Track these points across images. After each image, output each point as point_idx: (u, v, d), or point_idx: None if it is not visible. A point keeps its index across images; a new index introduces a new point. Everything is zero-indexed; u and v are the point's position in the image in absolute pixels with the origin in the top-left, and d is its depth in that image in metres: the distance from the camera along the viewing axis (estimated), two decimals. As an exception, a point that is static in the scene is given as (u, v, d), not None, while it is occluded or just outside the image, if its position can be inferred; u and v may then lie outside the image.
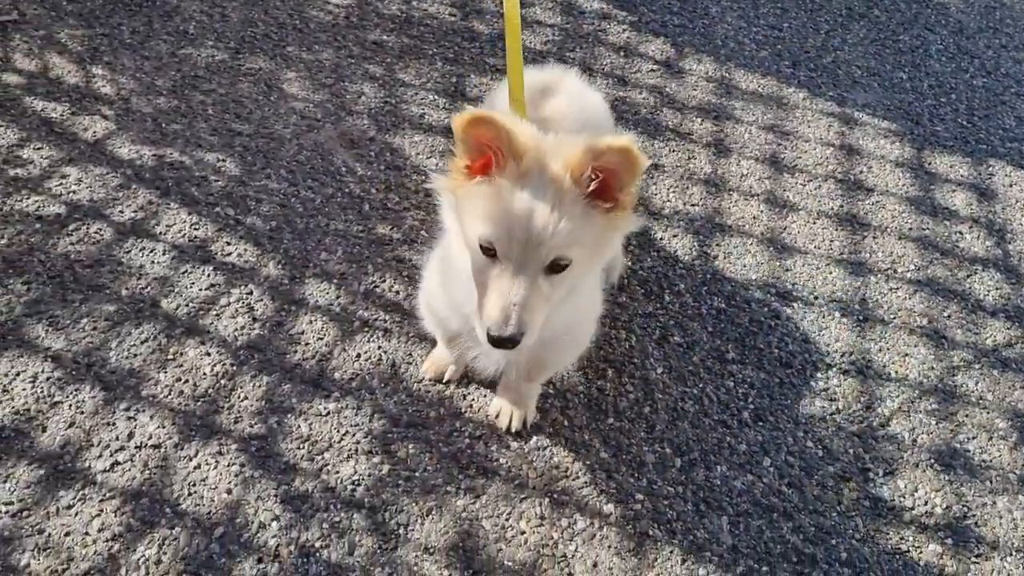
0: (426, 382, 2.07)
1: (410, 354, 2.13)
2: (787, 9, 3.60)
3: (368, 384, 2.05)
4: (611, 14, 3.39)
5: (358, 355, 2.10)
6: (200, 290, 2.17)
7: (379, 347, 2.13)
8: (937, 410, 2.20)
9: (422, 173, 2.60)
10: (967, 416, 2.20)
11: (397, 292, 2.26)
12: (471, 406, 2.04)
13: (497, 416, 2.04)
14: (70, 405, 1.90)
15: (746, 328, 2.32)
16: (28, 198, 2.30)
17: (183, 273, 2.20)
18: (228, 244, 2.29)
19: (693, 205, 2.65)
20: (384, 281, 2.28)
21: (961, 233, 2.71)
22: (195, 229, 2.31)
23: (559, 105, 1.92)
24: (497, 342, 1.38)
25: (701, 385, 2.17)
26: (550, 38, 3.21)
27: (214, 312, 2.13)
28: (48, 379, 1.93)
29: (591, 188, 1.38)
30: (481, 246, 1.40)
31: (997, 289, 2.55)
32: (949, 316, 2.45)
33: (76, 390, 1.92)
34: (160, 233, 2.28)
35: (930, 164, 2.94)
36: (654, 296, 2.36)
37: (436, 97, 2.87)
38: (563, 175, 1.37)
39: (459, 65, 3.02)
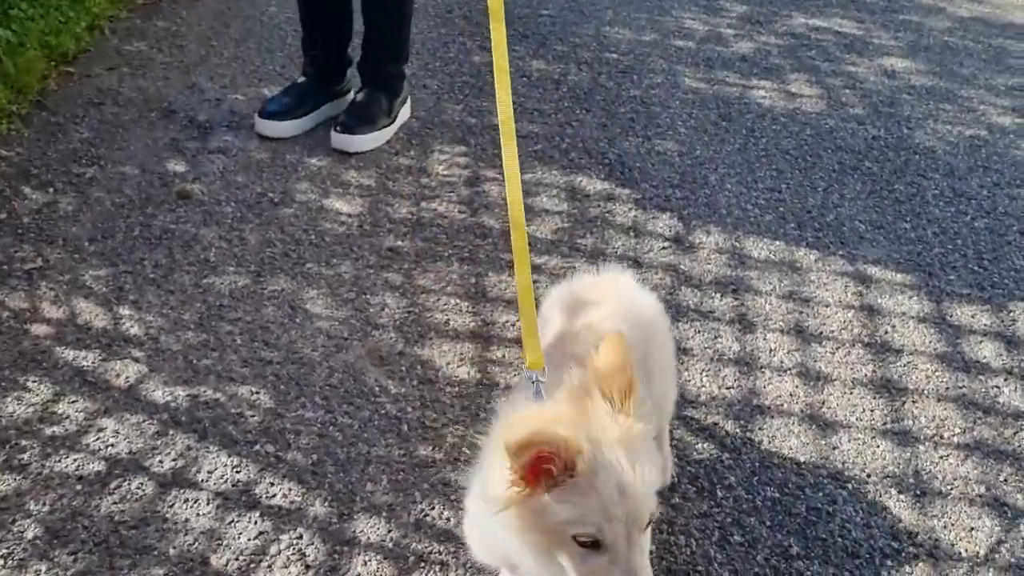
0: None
1: (471, 587, 2.06)
2: (782, 170, 3.71)
3: (432, 628, 1.98)
4: (615, 194, 3.48)
5: (417, 595, 2.04)
6: (249, 540, 2.12)
7: (438, 583, 2.07)
8: (1015, 589, 2.14)
9: (454, 384, 2.59)
10: (1047, 592, 2.14)
11: (448, 519, 2.21)
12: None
13: None
14: None
15: (804, 518, 2.28)
16: (67, 457, 2.28)
17: (229, 523, 2.16)
18: (272, 485, 2.26)
19: (728, 388, 2.64)
20: (433, 509, 2.24)
21: (998, 387, 2.70)
22: (237, 472, 2.28)
23: (604, 312, 1.91)
24: None
25: (771, 588, 2.11)
26: (559, 225, 3.28)
27: (265, 563, 2.08)
28: (103, 663, 1.86)
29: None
30: (578, 540, 1.34)
31: (1046, 444, 2.52)
32: (1005, 480, 2.41)
33: (133, 673, 1.84)
34: (202, 481, 2.25)
35: (951, 316, 2.97)
36: (707, 493, 2.32)
37: (458, 301, 2.90)
38: (617, 416, 1.38)
39: (475, 264, 3.07)
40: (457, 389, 2.58)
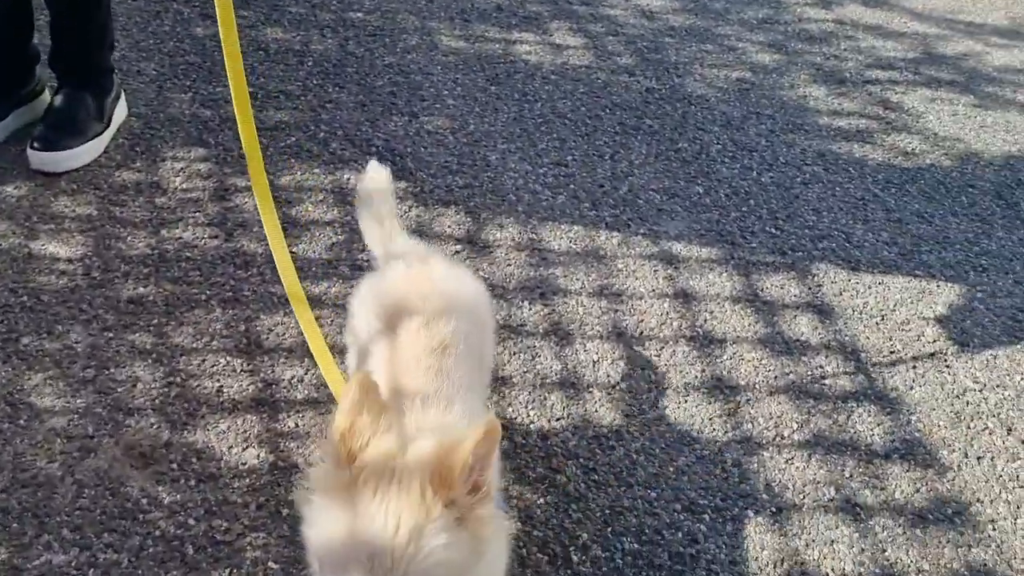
0: None
1: None
2: (564, 138, 3.42)
3: None
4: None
5: None
6: None
7: None
8: (888, 604, 2.03)
9: (243, 475, 2.11)
10: (916, 600, 2.05)
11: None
12: None
13: None
14: None
15: (669, 568, 2.05)
16: None
17: None
18: None
19: (558, 419, 2.35)
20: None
21: (822, 367, 2.60)
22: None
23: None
24: None
25: (652, 668, 1.86)
26: (333, 239, 2.82)
27: None
28: None
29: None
30: None
31: (879, 425, 2.45)
32: (851, 476, 2.31)
33: None
34: None
35: (763, 291, 2.84)
36: (560, 560, 2.04)
37: (229, 359, 2.39)
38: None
39: (241, 305, 2.55)
40: (247, 481, 2.11)
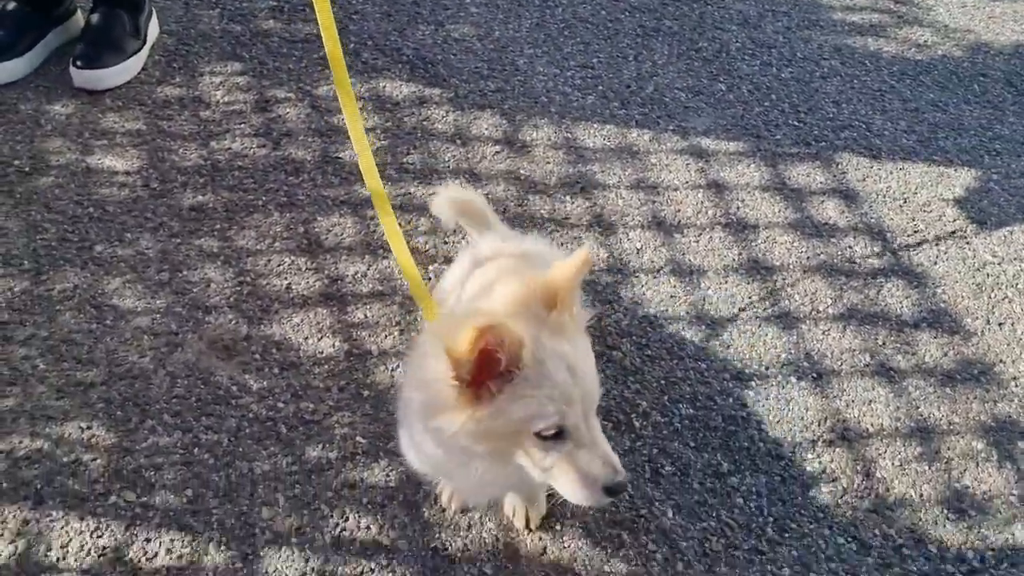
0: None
1: (419, 602, 1.84)
2: (588, 42, 3.50)
3: (392, 662, 1.75)
4: (427, 97, 3.14)
5: (363, 628, 1.80)
6: (144, 621, 1.76)
7: (381, 608, 1.83)
8: (924, 454, 2.22)
9: (322, 363, 2.27)
10: (949, 449, 2.24)
11: (368, 528, 1.95)
12: (512, 641, 1.80)
13: (515, 516, 1.95)
14: None
15: (724, 429, 2.23)
16: None
17: (116, 606, 1.78)
18: (148, 542, 1.88)
19: (610, 302, 2.51)
20: (347, 520, 1.96)
21: (851, 247, 2.75)
22: (98, 537, 1.88)
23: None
24: (620, 487, 1.41)
25: (715, 513, 2.06)
26: (378, 144, 2.91)
27: (176, 645, 1.73)
28: None
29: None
30: (540, 435, 1.35)
31: (907, 298, 2.61)
32: (884, 344, 2.48)
33: None
34: (58, 560, 1.83)
35: (790, 180, 2.97)
36: (624, 426, 2.21)
37: (293, 258, 2.52)
38: (550, 313, 1.39)
39: (298, 208, 2.67)
40: (327, 368, 2.26)
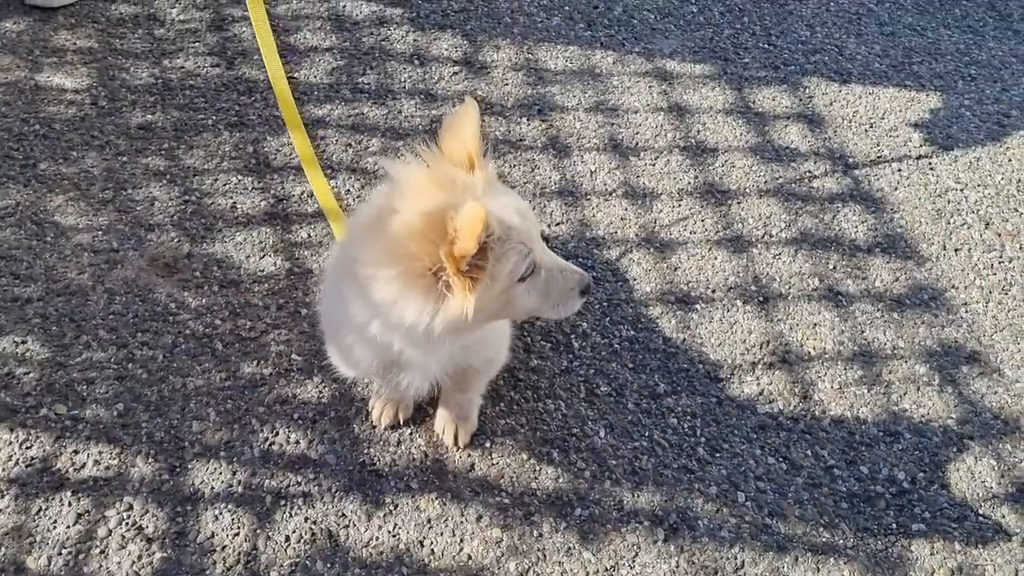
0: (372, 545, 1.82)
1: (343, 514, 1.86)
2: (557, -39, 3.40)
3: (313, 570, 1.78)
4: (387, 17, 3.07)
5: (286, 538, 1.82)
6: (67, 527, 1.78)
7: (306, 519, 1.85)
8: (864, 377, 2.21)
9: (262, 280, 2.26)
10: (891, 372, 2.23)
11: (297, 442, 1.96)
12: (432, 552, 1.82)
13: (444, 432, 1.98)
14: None
15: (664, 351, 2.21)
16: None
17: (37, 513, 1.80)
18: (76, 454, 1.90)
19: (558, 224, 2.47)
20: (277, 434, 1.97)
21: (810, 172, 2.70)
22: (27, 448, 1.89)
23: None
24: (589, 286, 1.58)
25: (647, 433, 2.05)
26: (334, 65, 2.86)
27: (97, 550, 1.76)
28: None
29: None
30: (520, 278, 1.46)
31: (863, 223, 2.57)
32: (834, 268, 2.45)
33: None
34: (-16, 469, 1.85)
35: (754, 103, 2.91)
36: (563, 347, 2.20)
37: (240, 177, 2.49)
38: (472, 173, 1.46)
39: (247, 128, 2.63)
40: (267, 286, 2.25)
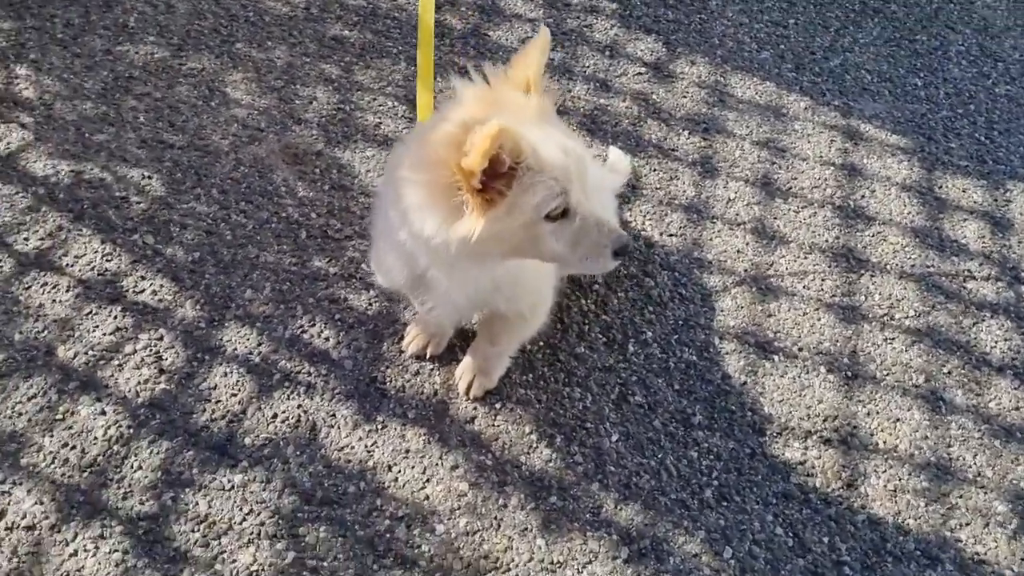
0: (346, 451, 1.85)
1: (333, 414, 1.90)
2: (794, 3, 3.28)
3: (282, 451, 1.82)
4: (599, 6, 3.09)
5: (274, 415, 1.88)
6: (104, 335, 1.95)
7: (299, 406, 1.90)
8: (928, 489, 1.95)
9: (368, 195, 2.34)
10: (961, 497, 1.95)
11: (327, 339, 2.02)
12: (396, 479, 1.81)
13: (460, 378, 1.96)
14: (-62, 477, 1.68)
15: (718, 386, 2.07)
16: (-77, 222, 2.07)
17: (87, 314, 1.98)
18: (142, 279, 2.06)
19: (671, 235, 2.38)
20: (314, 326, 2.04)
21: (970, 272, 2.42)
22: (107, 260, 2.08)
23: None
24: (626, 248, 1.48)
25: (661, 456, 1.93)
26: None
27: (116, 362, 1.90)
28: (-83, 444, 1.72)
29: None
30: (548, 216, 1.39)
31: (1006, 340, 2.27)
32: (950, 373, 2.18)
33: (-53, 458, 1.71)
34: (67, 265, 2.06)
35: (941, 188, 2.65)
36: (617, 346, 2.11)
37: (395, 104, 2.60)
38: (528, 97, 1.45)
39: (424, 66, 2.73)
40: (369, 200, 2.34)
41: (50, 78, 2.46)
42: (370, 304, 2.10)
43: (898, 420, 2.07)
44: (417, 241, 1.50)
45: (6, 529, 1.64)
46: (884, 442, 2.02)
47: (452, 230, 1.39)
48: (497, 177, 1.35)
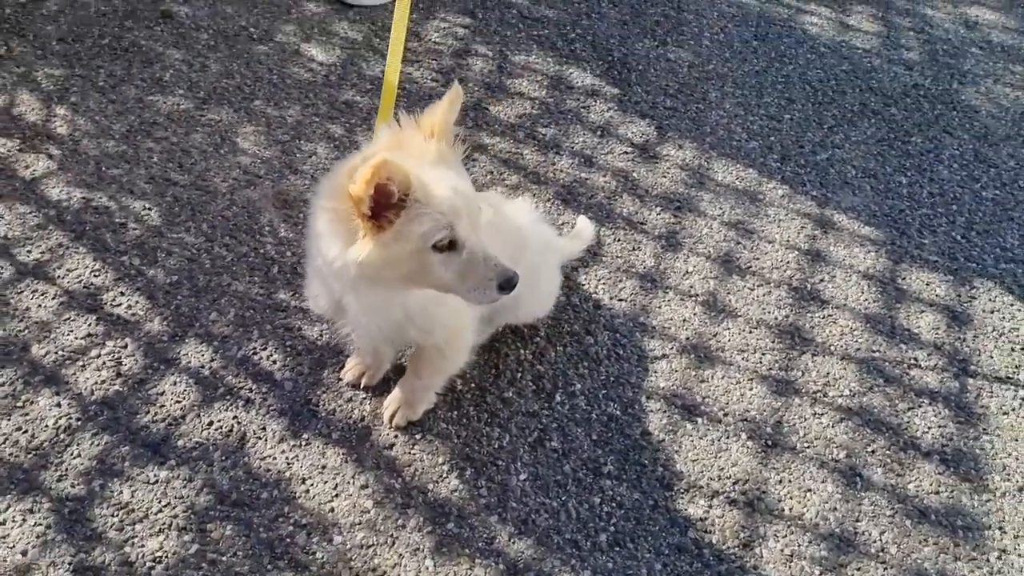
0: (267, 461, 2.00)
1: (264, 427, 2.06)
2: (793, 100, 3.43)
3: (209, 455, 1.99)
4: (600, 91, 3.30)
5: (210, 423, 2.05)
6: (75, 339, 2.17)
7: (234, 416, 2.07)
8: (826, 558, 1.98)
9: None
10: (859, 570, 1.98)
11: (274, 361, 2.20)
12: (308, 491, 1.95)
13: (387, 407, 2.11)
14: (-98, 443, 1.90)
15: (635, 441, 2.16)
16: (-55, 230, 2.36)
17: (65, 320, 2.21)
18: (121, 295, 2.29)
19: (620, 300, 2.51)
20: (265, 349, 2.23)
21: (916, 360, 2.47)
22: (95, 276, 2.32)
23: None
24: (511, 283, 1.60)
25: (564, 498, 2.02)
26: (526, 111, 3.14)
27: (80, 363, 2.12)
28: None
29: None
30: (435, 247, 1.53)
31: (940, 427, 2.30)
32: (873, 452, 2.22)
33: (-86, 428, 1.93)
34: (58, 277, 2.30)
35: (903, 280, 2.71)
36: (545, 395, 2.23)
37: (386, 163, 2.81)
38: (429, 141, 1.62)
39: (422, 132, 2.96)
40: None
41: (83, 118, 2.77)
42: (320, 335, 2.28)
43: (809, 490, 2.12)
44: (327, 265, 1.68)
45: (-51, 494, 1.84)
46: (790, 509, 2.07)
47: (347, 252, 1.56)
48: (389, 207, 1.51)
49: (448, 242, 1.56)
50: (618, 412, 2.21)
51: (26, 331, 2.17)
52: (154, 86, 2.96)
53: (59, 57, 3.00)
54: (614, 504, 2.02)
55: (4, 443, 1.94)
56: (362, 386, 2.18)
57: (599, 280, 2.55)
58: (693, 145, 3.12)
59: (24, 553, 1.77)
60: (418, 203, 1.52)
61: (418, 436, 2.09)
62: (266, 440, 2.03)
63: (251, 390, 2.13)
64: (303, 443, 2.04)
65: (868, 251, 2.79)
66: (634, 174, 2.95)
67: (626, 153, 3.03)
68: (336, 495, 1.95)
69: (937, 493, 2.15)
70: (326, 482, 1.98)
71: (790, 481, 2.13)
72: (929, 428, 2.30)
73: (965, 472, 2.21)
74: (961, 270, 2.78)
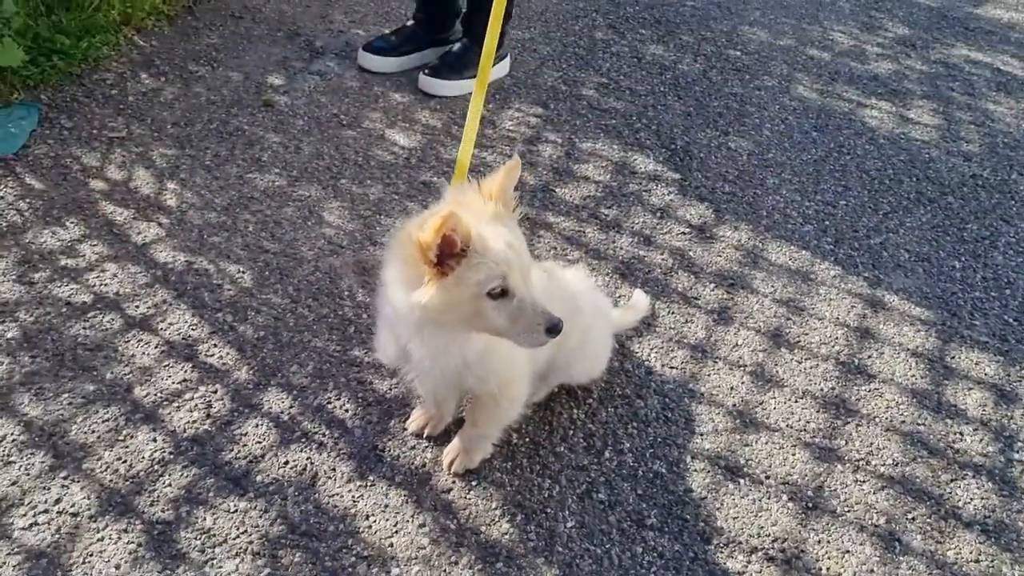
0: (335, 498, 2.19)
1: (334, 468, 2.25)
2: (850, 187, 3.57)
3: (284, 490, 2.19)
4: (662, 176, 3.51)
5: (286, 462, 2.26)
6: (172, 383, 2.42)
7: (308, 457, 2.27)
8: (860, 617, 2.05)
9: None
10: (894, 630, 2.04)
11: (347, 410, 2.41)
12: (370, 527, 2.13)
13: (447, 455, 2.30)
14: (20, 467, 2.16)
15: (678, 496, 2.28)
16: (67, 285, 2.67)
17: (164, 366, 2.46)
18: (215, 346, 2.55)
19: (671, 368, 2.65)
20: (339, 399, 2.44)
21: (961, 434, 2.53)
22: (192, 329, 2.59)
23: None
24: (557, 328, 1.78)
25: (608, 546, 2.15)
26: (590, 193, 3.36)
27: (175, 404, 2.36)
28: (13, 441, 2.21)
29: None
30: (490, 294, 1.73)
31: (983, 499, 2.36)
32: (914, 519, 2.29)
33: (31, 454, 2.19)
34: (160, 329, 2.57)
35: (952, 358, 2.79)
36: (595, 451, 2.38)
37: (458, 237, 3.05)
38: (488, 203, 1.84)
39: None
40: (416, 310, 2.75)
41: (190, 192, 3.10)
42: (389, 389, 2.48)
43: (848, 552, 2.20)
44: (394, 310, 1.90)
45: (58, 512, 2.08)
46: (828, 568, 2.15)
47: (413, 295, 1.78)
48: (452, 256, 1.73)
49: (501, 290, 1.75)
50: (663, 470, 2.34)
51: (130, 375, 2.43)
52: (253, 165, 3.28)
53: (172, 139, 3.36)
54: (655, 554, 2.14)
55: (106, 471, 2.18)
56: (425, 435, 2.36)
57: (652, 349, 2.71)
58: (749, 227, 3.28)
59: (117, 567, 1.98)
60: (476, 254, 1.72)
61: (474, 483, 2.25)
62: (335, 480, 2.22)
63: (324, 435, 2.33)
64: (368, 484, 2.22)
65: (918, 330, 2.88)
66: (690, 253, 3.12)
67: (683, 233, 3.21)
68: (396, 532, 2.12)
69: (977, 562, 2.20)
70: (387, 520, 2.15)
71: (829, 542, 2.21)
72: (971, 499, 2.35)
73: (1007, 543, 2.26)
74: (1012, 351, 2.84)
